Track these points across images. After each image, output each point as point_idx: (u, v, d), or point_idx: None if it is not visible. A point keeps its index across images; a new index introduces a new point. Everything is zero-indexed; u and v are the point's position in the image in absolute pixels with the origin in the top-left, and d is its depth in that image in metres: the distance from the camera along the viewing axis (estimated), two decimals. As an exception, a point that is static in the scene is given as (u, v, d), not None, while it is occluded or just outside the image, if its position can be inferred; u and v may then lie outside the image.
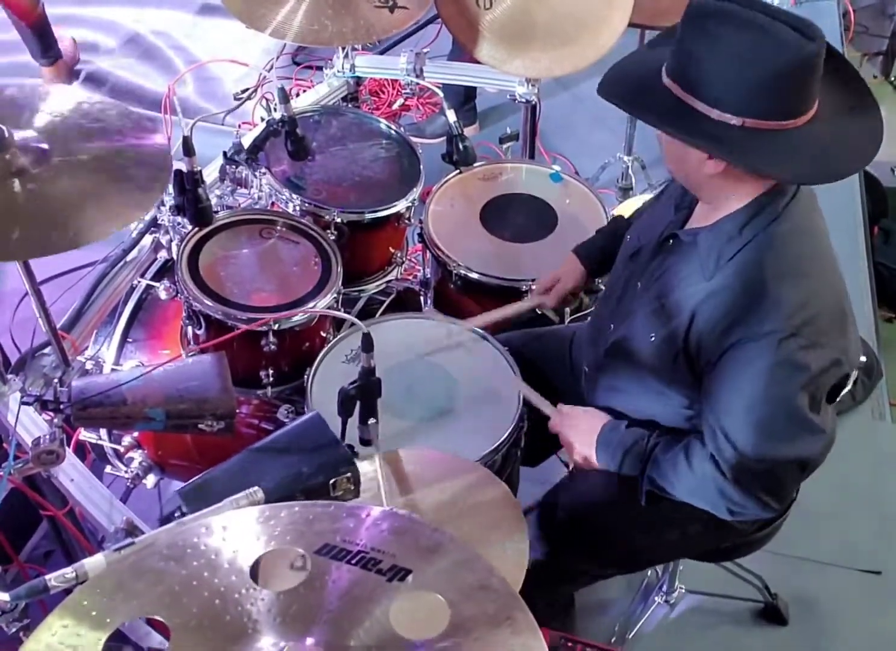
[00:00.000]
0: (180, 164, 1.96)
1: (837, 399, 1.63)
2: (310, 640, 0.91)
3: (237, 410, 1.54)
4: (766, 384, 1.51)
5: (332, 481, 1.32)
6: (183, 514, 1.18)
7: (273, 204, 2.33)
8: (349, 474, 1.33)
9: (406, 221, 2.39)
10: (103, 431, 2.25)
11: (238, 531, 1.01)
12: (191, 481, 1.35)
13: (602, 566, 1.98)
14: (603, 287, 2.20)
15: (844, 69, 1.57)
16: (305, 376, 1.97)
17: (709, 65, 1.45)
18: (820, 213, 1.64)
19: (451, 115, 2.43)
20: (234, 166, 2.33)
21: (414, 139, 2.56)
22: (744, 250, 1.55)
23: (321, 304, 2.01)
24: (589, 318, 2.06)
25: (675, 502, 1.68)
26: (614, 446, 1.73)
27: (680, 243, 1.66)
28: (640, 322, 1.70)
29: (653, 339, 1.66)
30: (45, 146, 1.68)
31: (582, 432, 1.79)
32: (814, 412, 1.54)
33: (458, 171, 2.46)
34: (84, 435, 2.25)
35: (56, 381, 1.90)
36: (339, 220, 2.25)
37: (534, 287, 2.17)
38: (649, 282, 1.70)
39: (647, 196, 3.05)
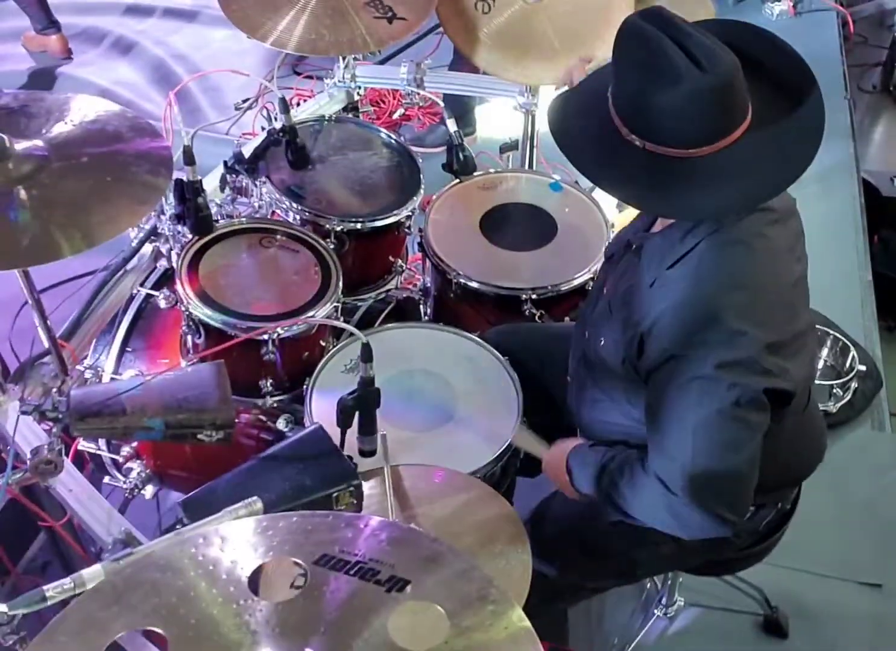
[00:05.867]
0: (181, 174, 1.96)
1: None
2: (308, 652, 0.91)
3: (236, 420, 1.54)
4: (698, 400, 1.45)
5: (334, 494, 1.32)
6: (183, 525, 1.17)
7: (273, 213, 2.32)
8: (352, 488, 1.33)
9: (406, 230, 2.39)
10: (102, 441, 2.25)
11: (236, 542, 1.00)
12: (193, 492, 1.34)
13: (600, 578, 1.96)
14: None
15: (782, 72, 1.50)
16: (305, 386, 1.97)
17: (619, 82, 1.46)
18: (782, 229, 1.56)
19: (452, 125, 2.43)
20: (234, 175, 2.34)
21: (414, 148, 2.56)
22: (684, 259, 1.51)
23: (321, 313, 2.01)
24: None
25: None
26: (582, 465, 1.71)
27: (632, 248, 1.66)
28: (597, 327, 1.71)
29: (602, 343, 1.66)
30: (45, 152, 1.68)
31: (557, 462, 1.77)
32: (751, 414, 1.46)
33: (458, 180, 2.46)
34: (83, 445, 2.24)
35: (55, 390, 1.89)
36: (339, 228, 2.25)
37: None
38: (609, 287, 1.71)
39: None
